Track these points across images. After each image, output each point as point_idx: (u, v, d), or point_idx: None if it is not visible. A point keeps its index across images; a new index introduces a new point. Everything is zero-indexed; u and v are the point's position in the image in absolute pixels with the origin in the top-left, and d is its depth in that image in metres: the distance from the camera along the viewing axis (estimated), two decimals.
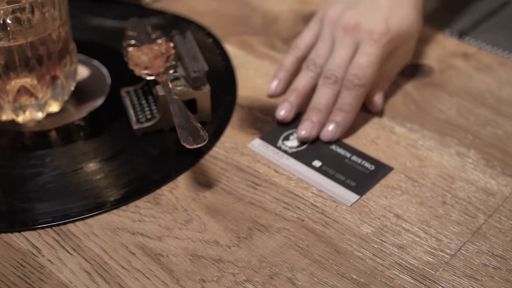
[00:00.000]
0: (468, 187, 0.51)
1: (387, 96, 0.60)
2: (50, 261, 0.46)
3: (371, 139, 0.56)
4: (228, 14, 0.72)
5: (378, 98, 0.58)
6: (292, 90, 0.58)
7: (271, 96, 0.60)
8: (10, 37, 0.52)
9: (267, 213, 0.49)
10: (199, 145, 0.49)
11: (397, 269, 0.45)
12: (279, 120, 0.57)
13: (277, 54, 0.66)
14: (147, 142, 0.56)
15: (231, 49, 0.67)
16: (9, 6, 0.51)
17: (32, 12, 0.51)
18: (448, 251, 0.46)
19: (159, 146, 0.56)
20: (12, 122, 0.57)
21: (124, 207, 0.50)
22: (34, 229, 0.49)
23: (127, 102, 0.59)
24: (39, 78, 0.55)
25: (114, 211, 0.50)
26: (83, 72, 0.64)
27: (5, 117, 0.57)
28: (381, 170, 0.52)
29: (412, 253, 0.46)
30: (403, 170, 0.53)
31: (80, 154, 0.55)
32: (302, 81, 0.59)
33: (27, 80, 0.54)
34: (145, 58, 0.57)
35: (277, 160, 0.54)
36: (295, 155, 0.54)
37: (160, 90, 0.55)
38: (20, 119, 0.57)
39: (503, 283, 0.44)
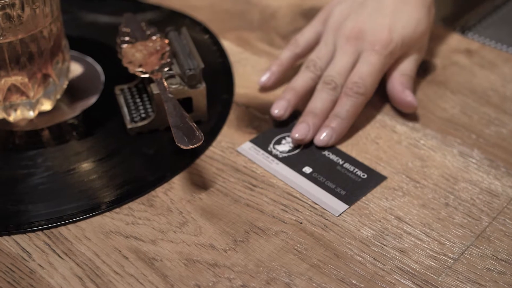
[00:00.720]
0: (472, 188, 0.50)
1: (386, 95, 0.58)
2: (40, 265, 0.45)
3: (372, 139, 0.54)
4: (225, 9, 0.70)
5: (408, 96, 0.56)
6: (289, 89, 0.57)
7: (262, 88, 0.59)
8: (0, 34, 0.50)
9: (264, 216, 0.48)
10: (194, 146, 0.48)
11: (398, 274, 0.44)
12: (274, 118, 0.56)
13: (276, 51, 0.64)
14: (142, 142, 0.55)
15: (228, 45, 0.65)
16: None
17: (22, 8, 0.50)
18: (451, 255, 0.45)
19: (154, 146, 0.54)
20: (3, 121, 0.56)
21: (117, 209, 0.49)
22: (25, 232, 0.47)
23: (121, 100, 0.57)
24: (30, 76, 0.53)
25: (107, 213, 0.48)
26: (76, 69, 0.62)
27: None
28: (374, 179, 0.51)
29: (414, 257, 0.45)
30: (405, 171, 0.51)
31: (73, 155, 0.54)
32: (301, 81, 0.57)
33: (18, 78, 0.53)
34: (140, 55, 0.56)
35: (266, 165, 0.52)
36: (285, 160, 0.53)
37: (154, 89, 0.53)
38: (11, 118, 0.55)
39: None
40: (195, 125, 0.49)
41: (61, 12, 0.55)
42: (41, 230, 0.47)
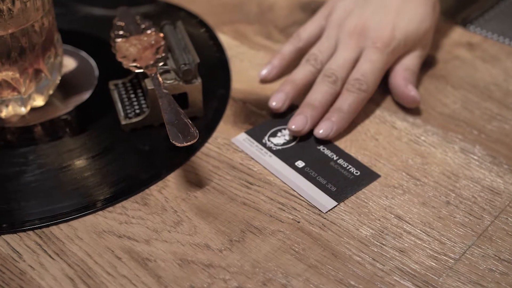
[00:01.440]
0: (473, 186, 0.49)
1: (387, 90, 0.57)
2: (31, 266, 0.44)
3: (371, 135, 0.53)
4: (222, 1, 0.69)
5: (411, 91, 0.54)
6: (288, 81, 0.56)
7: (262, 81, 0.58)
8: None
9: (261, 214, 0.47)
10: (189, 143, 0.47)
11: (398, 274, 0.43)
12: (272, 110, 0.55)
13: (273, 44, 0.63)
14: (136, 138, 0.53)
15: (224, 38, 0.64)
16: None
17: (13, 1, 0.49)
18: (452, 255, 0.44)
19: (149, 143, 0.53)
20: None
21: (110, 208, 0.48)
22: (15, 232, 0.46)
23: (115, 96, 0.56)
24: (22, 71, 0.52)
25: (100, 212, 0.47)
26: (70, 63, 0.61)
27: None
28: (366, 176, 0.49)
29: (414, 257, 0.44)
30: (405, 168, 0.50)
31: (66, 152, 0.52)
32: (300, 74, 0.56)
33: (9, 74, 0.51)
34: (134, 49, 0.54)
35: (258, 157, 0.51)
36: (279, 153, 0.51)
37: (149, 84, 0.52)
38: (3, 114, 0.54)
39: None
40: (190, 122, 0.48)
41: (54, 6, 0.54)
42: (32, 229, 0.46)
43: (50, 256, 0.44)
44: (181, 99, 0.53)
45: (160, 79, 0.52)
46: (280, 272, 0.43)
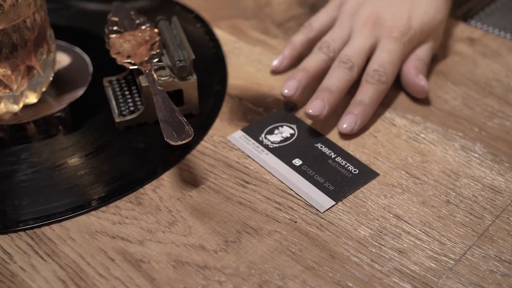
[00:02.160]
0: (474, 184, 0.48)
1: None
2: (22, 268, 0.43)
3: (370, 132, 0.52)
4: None
5: (422, 81, 0.54)
6: (300, 69, 0.55)
7: (273, 71, 0.58)
8: None
9: (257, 214, 0.46)
10: (183, 142, 0.46)
11: (397, 276, 0.42)
12: (284, 98, 0.54)
13: (270, 40, 0.62)
14: (131, 136, 0.52)
15: (221, 34, 0.63)
16: None
17: None
18: (452, 256, 0.43)
19: (143, 141, 0.52)
20: None
21: (103, 208, 0.47)
22: (7, 233, 0.45)
23: (110, 92, 0.55)
24: (13, 68, 0.51)
25: (93, 212, 0.46)
26: (64, 60, 0.60)
27: None
28: (365, 175, 0.48)
29: (413, 258, 0.43)
30: (404, 166, 0.49)
31: (59, 150, 0.51)
32: (312, 62, 0.55)
33: (0, 71, 0.50)
34: (128, 45, 0.53)
35: (254, 155, 0.50)
36: (276, 151, 0.50)
37: (143, 81, 0.51)
38: None
39: None
40: (185, 120, 0.47)
41: (46, 1, 0.53)
42: (24, 230, 0.45)
43: (41, 257, 0.43)
44: (176, 96, 0.52)
45: (154, 75, 0.51)
46: (276, 273, 0.42)
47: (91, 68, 0.59)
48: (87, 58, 0.60)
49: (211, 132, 0.53)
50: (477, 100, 0.55)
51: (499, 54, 0.59)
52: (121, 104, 0.54)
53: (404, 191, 0.47)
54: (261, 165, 0.50)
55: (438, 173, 0.49)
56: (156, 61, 0.52)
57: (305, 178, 0.48)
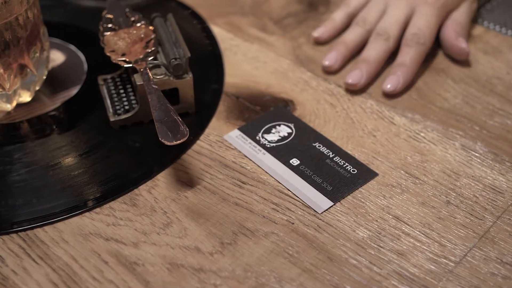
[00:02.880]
0: (475, 184, 0.47)
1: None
2: (14, 271, 0.42)
3: (369, 131, 0.51)
4: None
5: (462, 43, 0.56)
6: (339, 42, 0.58)
7: (316, 40, 0.60)
8: None
9: (254, 215, 0.45)
10: (178, 142, 0.45)
11: (396, 279, 0.41)
12: (325, 70, 0.56)
13: (268, 37, 0.61)
14: (125, 136, 0.52)
15: (217, 31, 0.62)
16: None
17: None
18: (453, 258, 0.42)
19: (138, 140, 0.51)
20: None
21: (97, 209, 0.46)
22: None
23: (104, 91, 0.54)
24: (6, 67, 0.50)
25: (87, 213, 0.46)
26: (58, 57, 0.59)
27: None
28: (363, 175, 0.47)
29: (413, 260, 0.42)
30: (403, 166, 0.48)
31: (53, 150, 0.51)
32: (350, 36, 0.58)
33: None
34: (122, 43, 0.52)
35: (251, 155, 0.49)
36: (273, 150, 0.50)
37: (138, 79, 0.50)
38: None
39: None
40: (180, 119, 0.46)
41: None
42: (16, 232, 0.44)
43: (34, 260, 0.43)
44: (172, 94, 0.51)
45: (150, 74, 0.50)
46: (273, 276, 0.41)
47: (85, 66, 0.58)
48: (81, 56, 0.59)
49: (207, 131, 0.52)
50: (477, 98, 0.54)
51: (500, 51, 0.59)
52: (116, 103, 0.53)
53: (403, 192, 0.46)
54: (258, 165, 0.49)
55: (438, 173, 0.48)
56: (151, 59, 0.51)
57: (302, 178, 0.47)
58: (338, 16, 0.61)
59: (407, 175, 0.48)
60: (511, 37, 0.60)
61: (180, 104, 0.52)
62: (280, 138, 0.51)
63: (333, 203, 0.46)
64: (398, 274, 0.41)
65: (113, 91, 0.54)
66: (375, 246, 0.43)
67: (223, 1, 0.66)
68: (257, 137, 0.51)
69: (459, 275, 0.41)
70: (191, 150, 0.50)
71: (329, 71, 0.56)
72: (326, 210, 0.45)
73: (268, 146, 0.50)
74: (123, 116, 0.52)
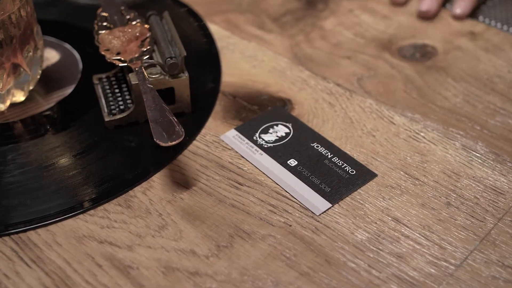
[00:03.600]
0: (475, 185, 0.46)
1: (385, 82, 0.54)
2: (6, 275, 0.41)
3: (368, 131, 0.50)
4: None
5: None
6: None
7: (424, 15, 0.61)
8: None
9: (251, 218, 0.44)
10: (174, 143, 0.44)
11: (395, 282, 0.40)
12: (422, 14, 0.59)
13: (266, 35, 0.60)
14: (121, 136, 0.51)
15: (215, 29, 0.61)
16: None
17: None
18: (453, 261, 0.41)
19: (133, 141, 0.50)
20: None
21: (91, 211, 0.45)
22: None
23: (99, 90, 0.53)
24: None
25: (81, 216, 0.45)
26: (52, 56, 0.58)
27: None
28: (362, 176, 0.47)
29: (412, 263, 0.41)
30: (403, 166, 0.47)
31: (47, 150, 0.50)
32: None
33: None
34: (117, 42, 0.51)
35: (248, 155, 0.48)
36: (270, 151, 0.49)
37: (133, 79, 0.49)
38: None
39: None
40: (176, 120, 0.45)
41: None
42: (9, 235, 0.44)
43: (26, 263, 0.42)
44: (168, 94, 0.50)
45: (145, 73, 0.49)
46: (270, 280, 0.41)
47: (80, 65, 0.57)
48: (76, 55, 0.58)
49: (203, 131, 0.51)
50: (478, 97, 0.53)
51: (501, 49, 0.58)
52: (111, 103, 0.52)
53: (403, 193, 0.46)
54: (255, 166, 0.48)
55: (438, 174, 0.47)
56: (147, 58, 0.51)
57: (300, 180, 0.47)
58: None
59: (406, 176, 0.47)
60: None
61: (176, 103, 0.51)
62: (277, 138, 0.50)
63: (331, 205, 0.45)
64: (397, 278, 0.40)
65: (108, 91, 0.53)
66: (374, 249, 0.42)
67: None
68: (254, 137, 0.50)
69: (459, 278, 0.40)
70: (187, 150, 0.49)
71: (425, 17, 0.59)
72: (324, 212, 0.44)
73: (266, 146, 0.49)
74: (118, 116, 0.51)
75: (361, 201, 0.45)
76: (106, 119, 0.51)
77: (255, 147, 0.49)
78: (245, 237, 0.43)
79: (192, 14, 0.62)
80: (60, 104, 0.54)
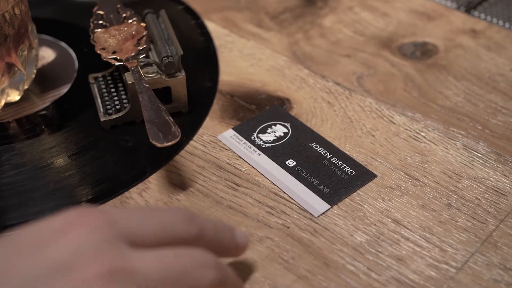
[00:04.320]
0: (477, 186, 0.45)
1: (385, 81, 0.53)
2: None
3: (367, 130, 0.50)
4: None
5: None
6: None
7: None
8: None
9: (248, 219, 0.44)
10: (170, 143, 0.43)
11: (395, 285, 0.39)
12: None
13: (265, 33, 0.60)
14: (117, 136, 0.50)
15: (212, 27, 0.60)
16: None
17: None
18: (454, 263, 0.41)
19: (129, 141, 0.50)
20: None
21: None
22: None
23: (95, 90, 0.53)
24: None
25: None
26: (48, 55, 0.57)
27: None
28: (361, 177, 0.46)
29: (412, 266, 0.40)
30: (403, 167, 0.47)
31: (41, 151, 0.49)
32: None
33: None
34: (113, 40, 0.51)
35: (246, 156, 0.47)
36: (268, 151, 0.48)
37: (129, 78, 0.49)
38: None
39: None
40: (172, 120, 0.45)
41: None
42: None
43: None
44: (164, 93, 0.50)
45: (141, 72, 0.48)
46: (267, 283, 0.40)
47: (77, 64, 0.56)
48: (72, 53, 0.57)
49: (201, 131, 0.50)
50: (480, 96, 0.52)
51: (503, 47, 0.57)
52: (107, 102, 0.52)
53: (403, 194, 0.45)
54: (253, 166, 0.47)
55: (439, 174, 0.46)
56: (143, 57, 0.50)
57: (298, 180, 0.46)
58: None
59: (406, 176, 0.46)
60: None
61: (172, 103, 0.51)
62: (275, 138, 0.49)
63: (330, 206, 0.44)
64: (397, 281, 0.40)
65: (104, 90, 0.52)
66: (374, 251, 0.41)
67: None
68: (252, 137, 0.49)
69: (460, 281, 0.40)
70: (184, 151, 0.49)
71: None
72: (323, 213, 0.44)
73: (264, 146, 0.49)
74: (114, 116, 0.50)
75: (360, 203, 0.44)
76: (102, 119, 0.50)
77: (253, 147, 0.48)
78: None
79: (189, 11, 0.62)
80: (55, 104, 0.53)
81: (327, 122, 0.51)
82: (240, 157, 0.48)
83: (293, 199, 0.45)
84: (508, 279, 0.40)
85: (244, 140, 0.49)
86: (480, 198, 0.44)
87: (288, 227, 0.43)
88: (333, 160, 0.47)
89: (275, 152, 0.48)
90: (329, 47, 0.58)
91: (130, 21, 0.53)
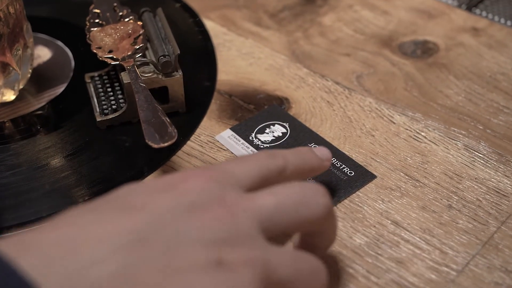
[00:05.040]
0: (478, 187, 0.45)
1: (385, 80, 0.53)
2: None
3: (367, 130, 0.49)
4: None
5: None
6: None
7: None
8: None
9: None
10: (166, 144, 0.43)
11: None
12: None
13: (263, 31, 0.59)
14: (113, 136, 0.49)
15: (210, 25, 0.59)
16: None
17: None
18: (454, 266, 0.40)
19: (126, 141, 0.49)
20: None
21: None
22: None
23: (91, 89, 0.52)
24: None
25: None
26: (44, 54, 0.57)
27: None
28: (361, 177, 0.45)
29: (412, 269, 0.40)
30: (403, 168, 0.46)
31: (37, 151, 0.48)
32: None
33: None
34: (109, 39, 0.50)
35: None
36: None
37: (125, 77, 0.48)
38: None
39: None
40: (169, 120, 0.44)
41: None
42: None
43: None
44: (161, 93, 0.49)
45: (137, 72, 0.48)
46: None
47: (73, 63, 0.56)
48: (69, 52, 0.57)
49: (198, 131, 0.50)
50: (481, 95, 0.52)
51: (505, 45, 0.56)
52: (103, 102, 0.51)
53: (403, 195, 0.44)
54: None
55: (439, 175, 0.45)
56: (140, 56, 0.49)
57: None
58: None
59: (406, 177, 0.45)
60: None
61: (170, 103, 0.50)
62: (274, 138, 0.49)
63: None
64: (397, 284, 0.39)
65: (101, 90, 0.52)
66: (373, 253, 0.41)
67: None
68: (250, 138, 0.49)
69: (461, 284, 0.39)
70: (181, 151, 0.48)
71: None
72: None
73: (262, 147, 0.48)
74: (110, 116, 0.50)
75: (359, 204, 0.44)
76: (98, 119, 0.50)
77: (251, 148, 0.48)
78: None
79: (187, 9, 0.61)
80: (51, 104, 0.52)
81: (326, 122, 0.50)
82: None
83: None
84: (510, 282, 0.39)
85: (242, 141, 0.48)
86: (481, 199, 0.44)
87: None
88: (332, 160, 0.47)
89: None
90: (328, 46, 0.57)
91: (126, 19, 0.52)
